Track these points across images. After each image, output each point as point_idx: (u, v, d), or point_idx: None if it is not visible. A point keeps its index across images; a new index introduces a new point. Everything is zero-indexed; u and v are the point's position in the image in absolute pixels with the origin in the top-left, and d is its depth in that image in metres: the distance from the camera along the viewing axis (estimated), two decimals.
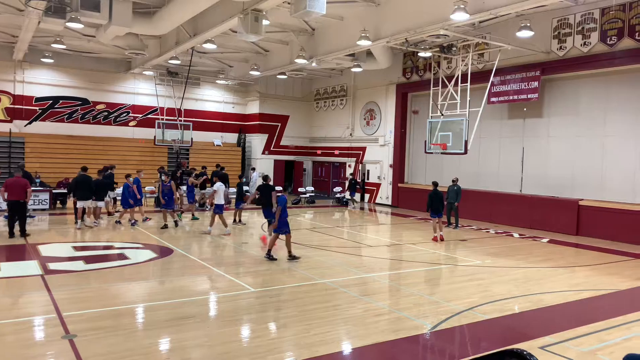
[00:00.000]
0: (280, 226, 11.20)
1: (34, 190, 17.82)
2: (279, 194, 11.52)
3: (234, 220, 16.83)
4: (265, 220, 14.24)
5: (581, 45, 16.40)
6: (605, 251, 13.93)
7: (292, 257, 11.31)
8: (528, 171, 18.98)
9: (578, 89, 17.49)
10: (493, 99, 18.94)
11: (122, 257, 11.53)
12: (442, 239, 14.67)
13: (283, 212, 11.13)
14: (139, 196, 16.25)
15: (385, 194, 25.02)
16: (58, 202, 19.91)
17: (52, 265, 10.28)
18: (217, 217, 14.87)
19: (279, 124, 29.78)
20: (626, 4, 15.18)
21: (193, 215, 18.04)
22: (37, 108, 24.23)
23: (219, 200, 14.77)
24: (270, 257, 11.34)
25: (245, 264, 11.35)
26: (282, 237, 11.46)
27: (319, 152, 30.01)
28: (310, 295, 8.67)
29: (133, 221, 15.91)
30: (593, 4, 15.84)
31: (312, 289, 9.04)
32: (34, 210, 18.30)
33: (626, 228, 15.26)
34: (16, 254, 11.69)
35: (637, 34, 14.97)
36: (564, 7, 16.42)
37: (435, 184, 15.37)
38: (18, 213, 13.09)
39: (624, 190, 16.07)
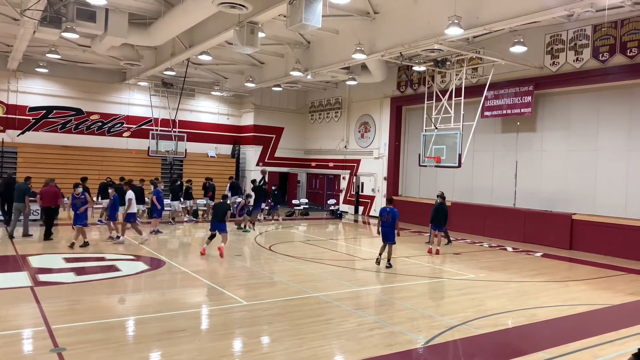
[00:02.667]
0: (392, 237, 12.39)
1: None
2: (391, 207, 12.60)
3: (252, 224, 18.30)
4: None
5: (574, 61, 16.58)
6: (599, 266, 13.94)
7: (390, 265, 12.54)
8: (521, 185, 19.05)
9: (570, 104, 17.64)
10: (487, 113, 19.06)
11: (113, 269, 11.42)
12: (437, 253, 14.66)
13: (392, 224, 12.33)
14: (159, 207, 16.82)
15: (379, 207, 24.97)
16: None
17: (42, 277, 10.17)
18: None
19: (274, 136, 29.81)
20: (618, 21, 15.38)
21: (243, 226, 18.71)
22: (31, 118, 24.14)
23: (132, 209, 14.69)
24: (389, 265, 12.54)
25: (238, 276, 11.27)
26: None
27: (313, 164, 30.03)
28: (303, 309, 8.60)
29: (155, 230, 16.86)
30: (585, 20, 16.04)
31: (304, 303, 8.97)
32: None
33: (619, 242, 15.30)
34: (6, 265, 11.54)
35: (628, 50, 15.16)
36: (556, 24, 16.63)
37: (442, 197, 15.51)
38: (50, 216, 14.99)
39: (616, 205, 16.14)
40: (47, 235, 14.79)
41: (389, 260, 12.54)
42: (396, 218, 12.32)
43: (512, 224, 18.43)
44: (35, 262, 11.63)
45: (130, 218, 14.74)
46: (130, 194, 14.73)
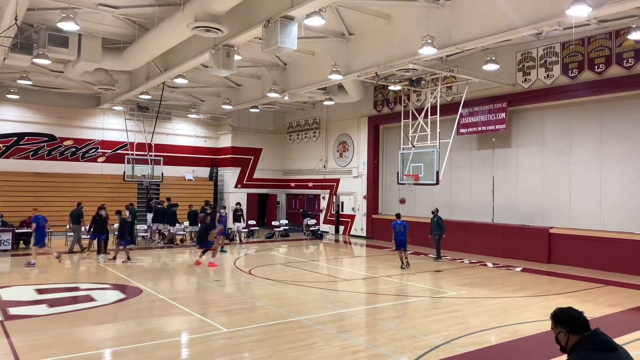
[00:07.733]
0: (405, 244, 15.41)
1: None
2: (401, 220, 15.55)
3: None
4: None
5: (544, 77, 16.97)
6: (578, 278, 14.07)
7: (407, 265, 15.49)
8: (499, 200, 19.25)
9: (544, 120, 18.00)
10: (462, 130, 19.30)
11: (88, 299, 11.06)
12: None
13: (405, 233, 15.28)
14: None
15: (359, 226, 24.97)
16: (21, 242, 19.14)
17: (13, 310, 9.79)
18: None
19: (252, 157, 29.67)
20: (585, 39, 15.84)
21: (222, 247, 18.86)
22: (1, 145, 23.56)
23: None
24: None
25: (217, 303, 11.03)
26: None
27: (292, 184, 29.92)
28: (284, 334, 8.43)
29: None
30: (554, 38, 16.48)
31: (286, 327, 8.80)
32: None
33: (596, 255, 15.50)
34: None
35: (596, 66, 15.59)
36: (527, 42, 17.03)
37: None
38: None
39: (592, 217, 16.39)
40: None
41: (406, 260, 15.45)
42: (407, 229, 15.38)
43: (492, 240, 18.55)
44: (5, 294, 11.20)
45: None
46: None
